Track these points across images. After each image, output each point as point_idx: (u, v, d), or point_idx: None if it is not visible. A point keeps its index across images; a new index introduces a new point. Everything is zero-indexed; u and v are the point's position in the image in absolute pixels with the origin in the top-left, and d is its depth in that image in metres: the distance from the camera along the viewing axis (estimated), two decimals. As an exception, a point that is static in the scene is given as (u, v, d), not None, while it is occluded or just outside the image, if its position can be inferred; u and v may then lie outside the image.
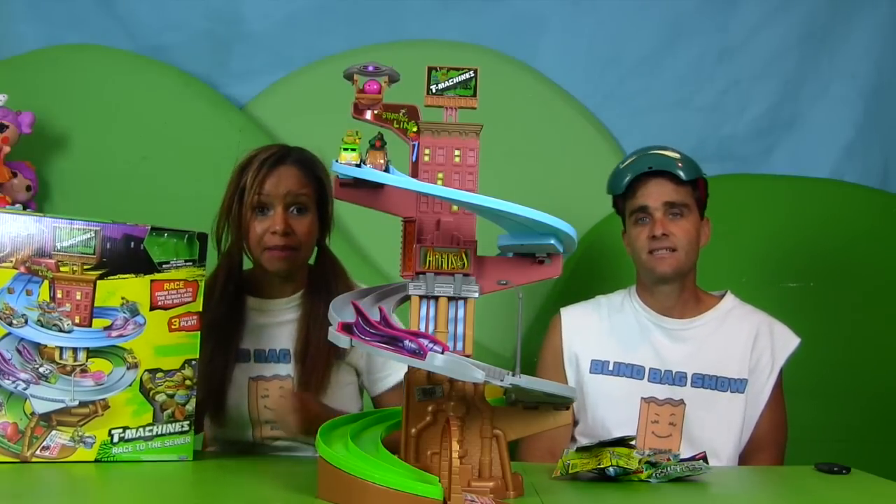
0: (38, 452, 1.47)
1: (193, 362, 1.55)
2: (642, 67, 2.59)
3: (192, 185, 2.46)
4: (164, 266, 1.52)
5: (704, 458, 1.50)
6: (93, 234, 1.49)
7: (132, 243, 1.50)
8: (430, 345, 1.16)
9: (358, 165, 1.25)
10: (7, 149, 2.29)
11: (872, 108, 2.60)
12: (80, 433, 1.49)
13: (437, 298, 1.29)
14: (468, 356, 1.28)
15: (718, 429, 1.87)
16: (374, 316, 1.21)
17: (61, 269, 1.48)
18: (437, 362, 1.14)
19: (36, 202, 2.38)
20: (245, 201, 1.78)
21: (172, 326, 1.53)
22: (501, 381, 1.18)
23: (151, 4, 2.55)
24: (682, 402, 1.88)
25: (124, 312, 1.50)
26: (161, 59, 2.54)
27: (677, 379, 1.89)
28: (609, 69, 2.60)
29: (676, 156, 1.92)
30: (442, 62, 1.31)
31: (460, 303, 1.30)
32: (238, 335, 1.82)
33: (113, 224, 1.50)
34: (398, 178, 1.26)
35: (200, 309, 1.55)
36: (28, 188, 2.33)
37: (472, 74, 1.31)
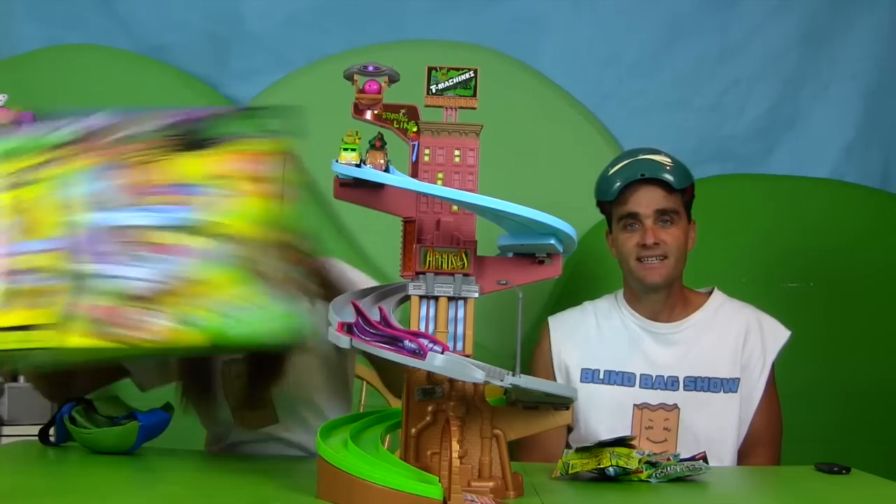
0: (144, 335, 1.34)
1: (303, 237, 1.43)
2: (642, 67, 2.59)
3: (192, 185, 2.46)
4: (247, 136, 1.42)
5: (704, 458, 1.50)
6: (174, 117, 1.42)
7: (213, 118, 1.43)
8: (430, 345, 1.16)
9: (358, 165, 1.25)
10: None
11: (872, 108, 2.60)
12: (182, 312, 1.35)
13: (437, 298, 1.29)
14: (468, 356, 1.28)
15: (715, 430, 1.86)
16: (374, 316, 1.21)
17: (145, 153, 1.39)
18: (437, 362, 1.14)
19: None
20: None
21: (261, 195, 1.38)
22: (501, 381, 1.18)
23: (152, 4, 2.55)
24: (675, 406, 1.88)
25: (210, 187, 1.38)
26: (161, 60, 2.54)
27: (669, 383, 1.88)
28: (609, 69, 2.60)
29: (668, 161, 1.89)
30: (442, 62, 1.31)
31: (460, 303, 1.30)
32: None
33: (194, 108, 1.45)
34: (398, 179, 1.26)
35: (297, 179, 1.42)
36: (28, 188, 2.33)
37: (472, 74, 1.31)
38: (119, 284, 1.36)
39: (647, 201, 1.87)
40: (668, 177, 1.86)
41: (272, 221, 1.40)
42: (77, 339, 1.35)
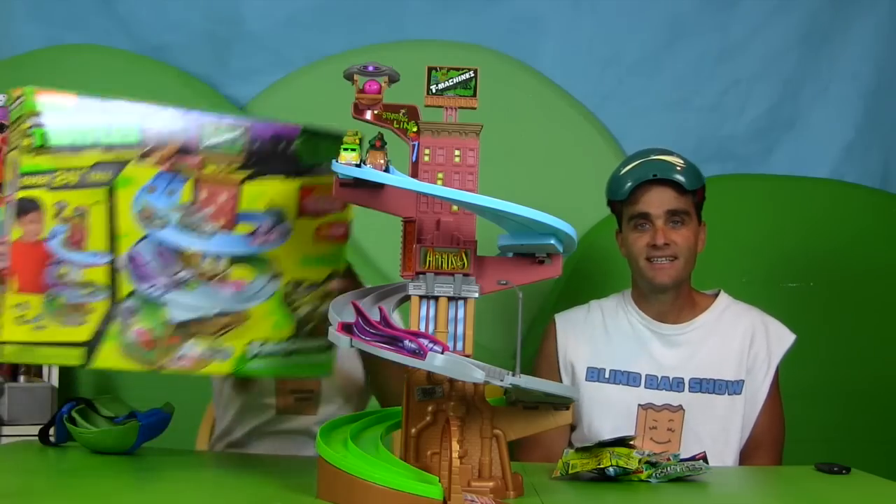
0: (172, 363, 1.37)
1: (337, 276, 1.43)
2: (642, 67, 2.59)
3: (192, 185, 2.47)
4: (314, 169, 1.39)
5: (704, 458, 1.50)
6: (242, 132, 1.37)
7: (281, 143, 1.38)
8: (430, 345, 1.16)
9: (358, 165, 1.25)
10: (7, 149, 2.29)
11: (872, 108, 2.60)
12: (217, 344, 1.37)
13: (437, 298, 1.29)
14: (468, 356, 1.28)
15: (718, 432, 1.86)
16: (374, 316, 1.21)
17: (207, 168, 1.35)
18: (437, 362, 1.14)
19: (36, 202, 2.38)
20: None
21: (320, 235, 1.40)
22: (501, 381, 1.18)
23: (151, 5, 2.55)
24: (680, 407, 1.87)
25: (270, 217, 1.38)
26: (161, 60, 2.54)
27: (675, 384, 1.88)
28: (609, 69, 2.60)
29: (680, 162, 1.89)
30: (442, 62, 1.31)
31: (460, 303, 1.30)
32: None
33: (262, 122, 1.39)
34: (398, 178, 1.26)
35: (351, 217, 1.42)
36: (28, 188, 2.33)
37: (472, 74, 1.31)
38: (163, 311, 1.36)
39: (658, 202, 1.86)
40: (680, 177, 1.85)
41: (321, 261, 1.41)
42: (107, 360, 1.35)
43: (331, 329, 1.21)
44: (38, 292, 1.31)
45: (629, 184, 1.87)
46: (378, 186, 1.31)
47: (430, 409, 1.31)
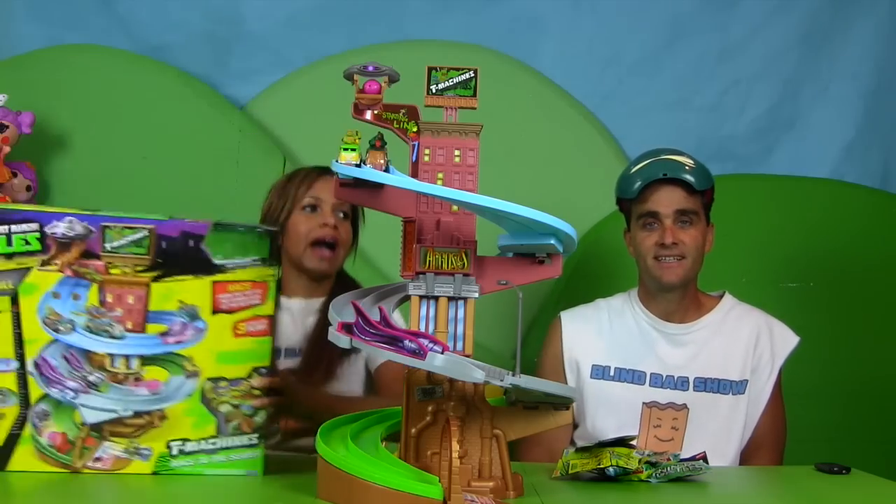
0: (89, 464, 1.39)
1: (263, 370, 1.42)
2: (642, 67, 2.59)
3: (192, 184, 2.47)
4: (227, 266, 1.40)
5: (704, 458, 1.50)
6: (146, 233, 1.38)
7: (191, 241, 1.38)
8: (430, 345, 1.16)
9: (358, 165, 1.25)
10: (7, 149, 2.29)
11: (872, 108, 2.60)
12: (135, 445, 1.39)
13: (437, 298, 1.29)
14: (468, 356, 1.28)
15: (721, 432, 1.87)
16: (374, 316, 1.21)
17: (111, 271, 1.38)
18: (437, 362, 1.14)
19: (36, 202, 2.38)
20: (295, 201, 1.92)
21: (238, 332, 1.41)
22: (501, 381, 1.18)
23: (151, 4, 2.55)
24: (684, 406, 1.88)
25: (182, 317, 1.39)
26: (161, 59, 2.54)
27: (679, 383, 1.89)
28: (609, 69, 2.60)
29: (690, 162, 1.89)
30: (442, 62, 1.31)
31: (460, 303, 1.30)
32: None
33: (169, 221, 1.39)
34: (398, 178, 1.26)
35: (271, 312, 1.42)
36: (28, 188, 2.33)
37: (472, 74, 1.31)
38: (75, 413, 1.39)
39: (667, 201, 1.87)
40: (689, 177, 1.86)
41: (242, 358, 1.42)
42: (22, 463, 1.38)
43: (331, 329, 1.21)
44: None
45: (638, 182, 1.87)
46: (378, 186, 1.31)
47: (430, 409, 1.31)
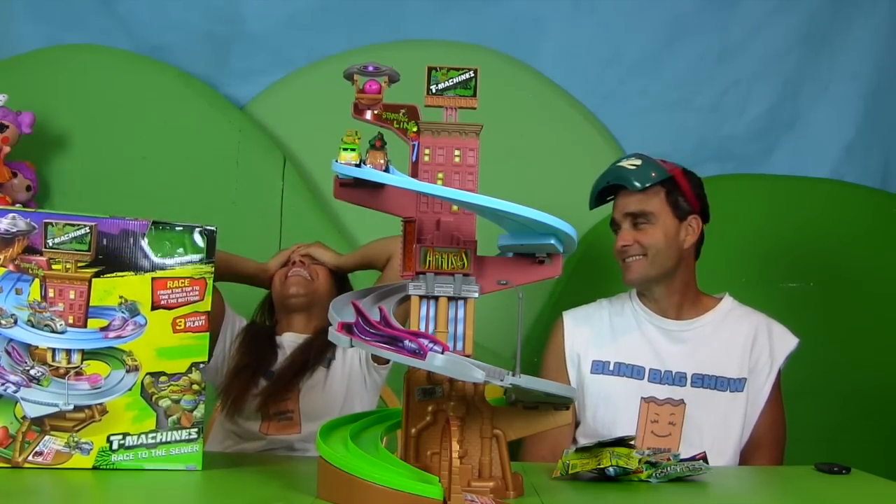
0: (30, 458, 1.41)
1: (202, 365, 1.45)
2: (642, 67, 2.59)
3: (192, 184, 2.47)
4: (167, 263, 1.43)
5: (704, 458, 1.50)
6: (88, 230, 1.41)
7: (131, 239, 1.42)
8: (430, 345, 1.16)
9: (358, 165, 1.25)
10: (7, 149, 2.29)
11: (872, 108, 2.60)
12: (75, 439, 1.41)
13: (437, 298, 1.29)
14: (468, 356, 1.28)
15: (718, 428, 1.88)
16: (374, 316, 1.21)
17: (53, 266, 1.40)
18: (437, 362, 1.14)
19: (36, 202, 2.38)
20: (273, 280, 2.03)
21: (177, 327, 1.44)
22: (501, 380, 1.18)
23: (151, 5, 2.55)
24: (682, 401, 1.89)
25: (122, 312, 1.42)
26: (161, 60, 2.54)
27: (677, 379, 1.90)
28: (609, 69, 2.60)
29: (635, 163, 1.93)
30: (442, 62, 1.31)
31: (460, 303, 1.30)
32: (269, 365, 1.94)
33: (110, 219, 1.42)
34: (398, 178, 1.26)
35: (209, 308, 1.45)
36: (28, 188, 2.33)
37: (472, 74, 1.31)
38: (17, 407, 1.41)
39: (621, 205, 1.94)
40: (630, 179, 1.90)
41: (181, 353, 1.44)
42: None
43: (331, 329, 1.21)
44: None
45: (592, 195, 1.99)
46: (378, 186, 1.31)
47: (430, 408, 1.31)
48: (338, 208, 2.53)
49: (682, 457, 1.51)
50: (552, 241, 1.27)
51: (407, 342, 1.16)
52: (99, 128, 2.49)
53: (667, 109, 2.59)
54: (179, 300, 1.44)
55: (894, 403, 2.43)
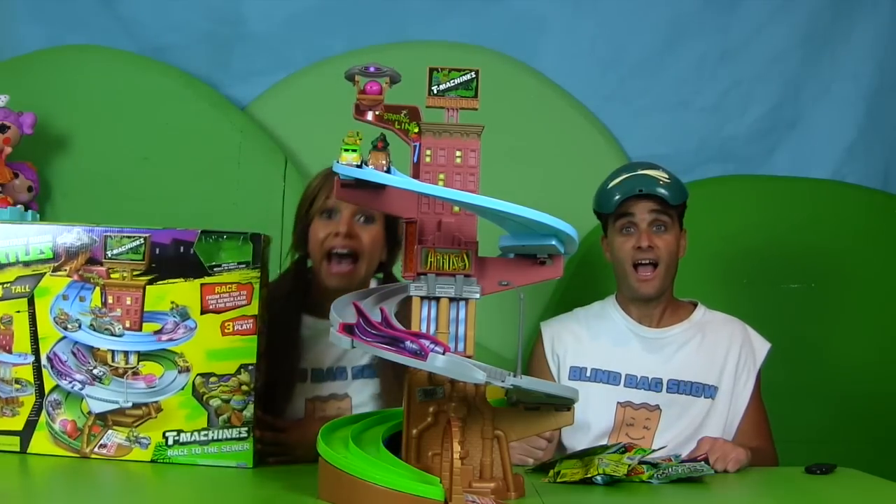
0: (96, 450, 1.52)
1: (250, 367, 1.52)
2: (643, 68, 2.59)
3: (194, 185, 2.47)
4: (215, 269, 1.52)
5: (706, 460, 1.51)
6: (142, 241, 1.52)
7: (182, 248, 1.52)
8: (432, 345, 1.16)
9: (359, 166, 1.25)
10: (9, 149, 2.29)
11: (874, 109, 2.60)
12: (135, 434, 1.52)
13: (438, 299, 1.29)
14: (469, 357, 1.28)
15: (694, 434, 1.89)
16: (376, 317, 1.21)
17: (112, 275, 1.53)
18: (438, 363, 1.14)
19: (37, 203, 2.38)
20: (313, 205, 1.79)
21: (226, 330, 1.52)
22: (502, 381, 1.18)
23: (153, 5, 2.55)
24: (657, 407, 1.93)
25: (174, 316, 1.52)
26: (162, 60, 2.54)
27: (653, 385, 1.94)
28: (610, 70, 2.60)
29: (665, 176, 1.95)
30: (443, 63, 1.32)
31: (461, 304, 1.30)
32: (297, 353, 1.81)
33: (162, 230, 1.53)
34: (399, 179, 1.26)
35: (256, 312, 1.52)
36: (30, 189, 2.33)
37: (474, 75, 1.31)
38: (83, 403, 1.53)
39: (643, 206, 1.93)
40: (664, 192, 1.92)
41: (230, 355, 1.52)
42: (40, 447, 1.53)
43: (332, 330, 1.21)
44: None
45: (617, 197, 1.95)
46: (379, 187, 1.31)
47: (431, 409, 1.31)
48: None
49: (682, 458, 1.51)
50: (553, 242, 1.27)
51: (408, 343, 1.16)
52: (100, 129, 2.48)
53: (668, 110, 2.58)
54: (227, 304, 1.53)
55: (893, 403, 2.43)
